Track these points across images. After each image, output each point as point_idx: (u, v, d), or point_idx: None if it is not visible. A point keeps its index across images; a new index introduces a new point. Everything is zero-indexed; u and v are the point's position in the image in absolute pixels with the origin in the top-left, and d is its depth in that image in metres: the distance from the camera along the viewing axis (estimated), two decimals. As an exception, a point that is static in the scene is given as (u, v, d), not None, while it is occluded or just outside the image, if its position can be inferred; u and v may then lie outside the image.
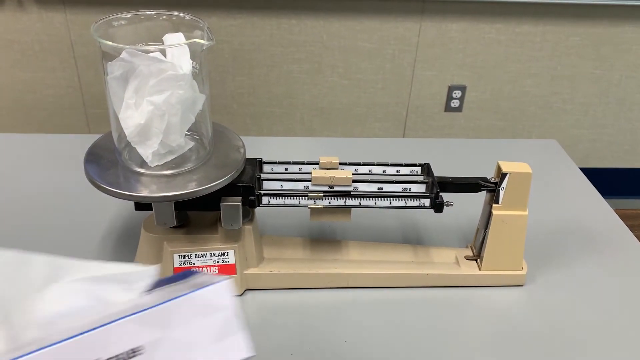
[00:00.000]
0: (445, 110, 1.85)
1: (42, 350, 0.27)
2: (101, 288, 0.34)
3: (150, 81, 0.52)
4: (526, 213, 0.62)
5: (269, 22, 1.66)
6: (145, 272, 0.36)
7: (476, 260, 0.66)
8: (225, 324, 0.31)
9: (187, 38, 0.54)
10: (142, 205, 0.60)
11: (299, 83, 1.77)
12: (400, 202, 0.60)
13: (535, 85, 1.82)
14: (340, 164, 0.63)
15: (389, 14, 1.67)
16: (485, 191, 0.62)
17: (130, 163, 0.57)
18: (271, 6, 1.64)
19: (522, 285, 0.65)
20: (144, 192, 0.54)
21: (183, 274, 0.38)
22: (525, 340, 0.58)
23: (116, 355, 0.28)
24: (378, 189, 0.60)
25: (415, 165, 0.64)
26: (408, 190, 0.61)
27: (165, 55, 0.52)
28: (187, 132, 0.57)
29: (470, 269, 0.65)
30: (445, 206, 0.59)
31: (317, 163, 0.63)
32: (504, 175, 0.60)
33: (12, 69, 1.69)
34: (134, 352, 0.29)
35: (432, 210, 0.60)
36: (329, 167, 0.62)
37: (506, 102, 1.85)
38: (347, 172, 0.60)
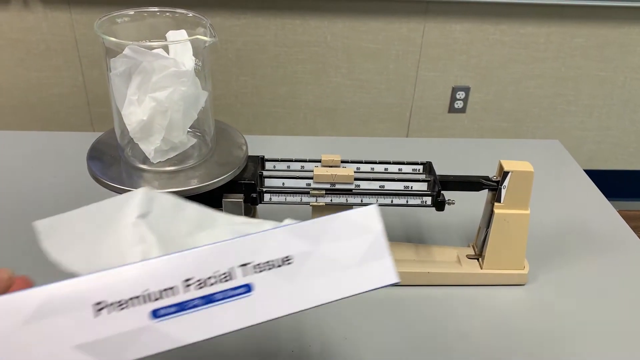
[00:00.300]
0: (449, 111, 1.85)
1: (203, 247, 0.28)
2: (252, 228, 0.35)
3: (153, 77, 0.52)
4: (528, 212, 0.62)
5: (273, 22, 1.67)
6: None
7: (478, 259, 0.66)
8: (372, 247, 0.31)
9: (189, 35, 0.54)
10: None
11: (302, 83, 1.77)
12: (402, 200, 0.60)
13: (539, 86, 1.82)
14: (342, 161, 0.63)
15: (392, 14, 1.67)
16: (487, 190, 0.62)
17: (132, 159, 0.58)
18: (275, 6, 1.64)
19: (523, 285, 0.65)
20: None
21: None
22: (527, 339, 0.58)
23: (268, 261, 0.29)
24: (380, 187, 0.60)
25: (417, 163, 0.64)
26: (410, 189, 0.61)
27: (168, 52, 0.53)
28: (189, 129, 0.57)
29: (471, 267, 0.65)
30: (447, 204, 0.59)
31: (319, 161, 0.63)
32: (505, 173, 0.60)
33: (17, 68, 1.70)
34: (284, 260, 0.30)
35: (434, 209, 0.60)
36: (330, 164, 0.63)
37: (510, 103, 1.85)
38: (349, 170, 0.60)
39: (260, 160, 0.63)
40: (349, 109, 1.83)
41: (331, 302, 0.30)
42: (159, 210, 0.36)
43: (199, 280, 0.28)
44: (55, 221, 0.34)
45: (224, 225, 0.37)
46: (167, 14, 0.57)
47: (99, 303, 0.27)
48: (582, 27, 1.72)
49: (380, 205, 0.60)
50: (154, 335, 0.27)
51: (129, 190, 0.54)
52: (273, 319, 0.29)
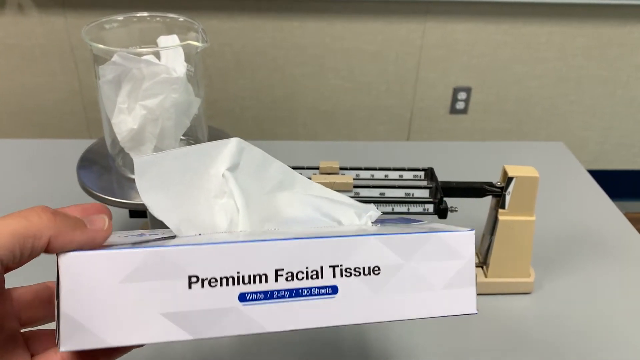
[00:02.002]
0: (450, 113, 1.83)
1: (297, 240, 0.29)
2: (330, 207, 0.37)
3: (143, 85, 0.50)
4: (533, 218, 0.60)
5: (271, 25, 1.65)
6: (368, 206, 0.39)
7: (482, 267, 0.64)
8: (460, 273, 0.31)
9: (181, 40, 0.52)
10: (137, 212, 0.58)
11: (301, 86, 1.76)
12: (403, 208, 0.58)
13: (541, 86, 1.80)
14: (341, 168, 0.61)
15: (392, 15, 1.65)
16: (490, 196, 0.60)
17: (124, 169, 0.56)
18: (273, 9, 1.63)
19: (529, 293, 0.63)
20: (138, 199, 0.52)
21: (406, 219, 0.41)
22: (533, 349, 0.56)
23: (357, 267, 0.30)
24: (380, 194, 0.59)
25: (418, 169, 0.62)
26: (411, 196, 0.59)
27: (159, 58, 0.51)
28: (182, 137, 0.56)
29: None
30: (449, 212, 0.58)
31: (317, 168, 0.61)
32: (510, 179, 0.58)
33: (12, 74, 1.68)
34: (373, 270, 0.30)
35: (436, 217, 0.58)
36: (329, 172, 0.61)
37: (512, 104, 1.83)
38: (348, 178, 0.59)
39: (257, 168, 0.61)
40: (349, 112, 1.81)
41: (410, 319, 0.31)
42: (247, 163, 0.37)
43: (289, 272, 0.29)
44: (151, 159, 0.33)
45: (301, 193, 0.38)
46: (158, 19, 0.55)
47: (193, 276, 0.27)
48: (584, 26, 1.70)
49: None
50: (239, 317, 0.28)
51: (121, 202, 0.53)
52: (352, 325, 0.30)
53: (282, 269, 0.28)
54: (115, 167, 0.56)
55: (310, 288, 0.29)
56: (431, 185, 0.59)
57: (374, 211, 0.39)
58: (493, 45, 1.72)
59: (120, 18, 0.54)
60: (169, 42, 0.52)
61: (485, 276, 0.63)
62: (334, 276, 0.29)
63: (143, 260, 0.27)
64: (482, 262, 0.64)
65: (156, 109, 0.51)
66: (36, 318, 0.32)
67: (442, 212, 0.57)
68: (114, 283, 0.27)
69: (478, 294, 0.63)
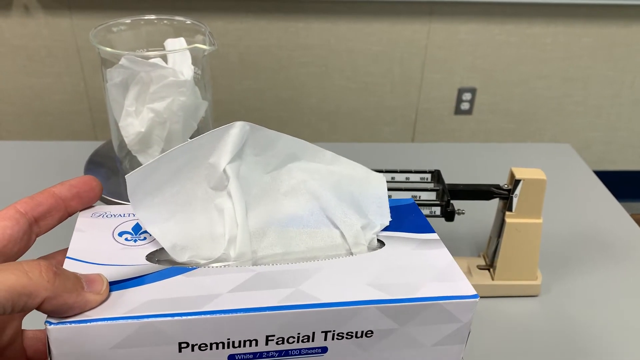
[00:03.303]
0: (455, 113, 1.83)
1: (291, 311, 0.29)
2: (335, 208, 0.35)
3: (150, 88, 0.50)
4: (540, 221, 0.59)
5: (276, 26, 1.65)
6: (378, 201, 0.37)
7: (489, 270, 0.64)
8: (454, 334, 0.31)
9: (188, 43, 0.52)
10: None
11: (306, 87, 1.76)
12: (410, 211, 0.58)
13: (546, 87, 1.79)
14: (348, 171, 0.61)
15: (397, 16, 1.65)
16: (497, 198, 0.60)
17: (131, 172, 0.56)
18: (278, 9, 1.63)
19: (536, 296, 0.63)
20: (145, 202, 0.52)
21: (418, 223, 0.39)
22: (540, 352, 0.56)
23: (349, 332, 0.29)
24: (387, 197, 0.58)
25: (425, 172, 0.62)
26: (418, 198, 0.59)
27: (166, 61, 0.51)
28: (189, 139, 0.56)
29: (483, 279, 0.63)
30: (456, 214, 0.57)
31: (324, 170, 0.61)
32: (517, 182, 0.58)
33: (18, 75, 1.69)
34: (365, 334, 0.30)
35: (443, 219, 0.58)
36: (335, 174, 0.61)
37: (517, 104, 1.82)
38: (355, 180, 0.58)
39: (263, 171, 0.61)
40: (354, 112, 1.81)
41: None
42: (252, 146, 0.35)
43: (280, 338, 0.29)
44: (141, 171, 0.32)
45: (309, 166, 0.37)
46: (165, 21, 0.55)
47: (184, 342, 0.28)
48: (590, 26, 1.69)
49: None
50: None
51: (128, 205, 0.53)
52: None
53: (274, 335, 0.29)
54: (122, 169, 0.56)
55: (300, 349, 0.29)
56: (438, 188, 0.59)
57: (381, 223, 0.36)
58: (498, 45, 1.71)
59: (128, 21, 0.54)
60: (176, 45, 0.52)
61: (492, 279, 0.62)
62: (325, 339, 0.29)
63: (135, 330, 0.27)
64: (489, 264, 0.64)
65: (164, 112, 0.51)
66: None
67: (449, 215, 0.57)
68: (104, 350, 0.27)
69: (485, 297, 0.63)
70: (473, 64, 1.74)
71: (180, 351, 0.28)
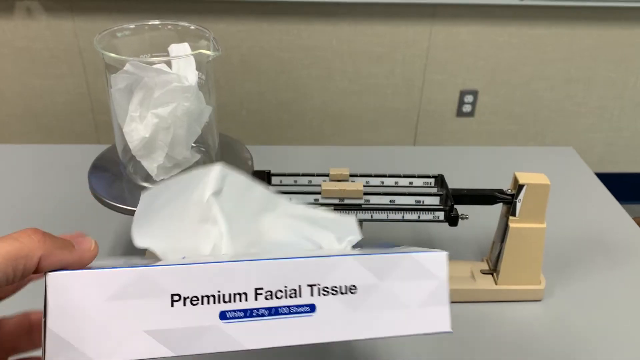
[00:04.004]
0: (457, 115, 1.82)
1: (276, 260, 0.30)
2: (312, 231, 0.38)
3: (155, 93, 0.50)
4: (544, 226, 0.59)
5: (278, 28, 1.65)
6: (349, 226, 0.40)
7: (492, 274, 0.64)
8: (434, 292, 0.32)
9: (192, 48, 0.52)
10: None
11: (308, 88, 1.76)
12: (414, 216, 0.58)
13: (548, 88, 1.79)
14: (351, 175, 0.61)
15: (399, 17, 1.65)
16: (501, 203, 0.60)
17: (135, 177, 0.56)
18: (280, 11, 1.63)
19: (540, 300, 0.63)
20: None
21: (386, 244, 0.42)
22: (544, 357, 0.56)
23: (333, 286, 0.31)
24: (390, 201, 0.59)
25: (428, 176, 0.62)
26: (421, 203, 0.59)
27: (170, 67, 0.51)
28: (193, 144, 0.56)
29: (486, 283, 0.63)
30: (460, 219, 0.57)
31: (327, 175, 0.61)
32: (521, 187, 0.58)
33: (21, 76, 1.69)
34: (350, 289, 0.31)
35: (447, 224, 0.58)
36: (339, 179, 0.61)
37: (519, 106, 1.82)
38: (358, 185, 0.58)
39: (267, 175, 0.61)
40: (356, 114, 1.81)
41: (386, 337, 0.32)
42: (231, 188, 0.38)
43: (268, 291, 0.30)
44: (148, 193, 0.36)
45: (284, 214, 0.40)
46: (169, 27, 0.55)
47: (175, 294, 0.29)
48: (592, 28, 1.69)
49: (391, 220, 0.58)
50: (219, 335, 0.29)
51: (132, 210, 0.53)
52: (329, 342, 0.31)
53: (262, 288, 0.29)
54: (126, 174, 0.56)
55: (289, 306, 0.30)
56: (442, 193, 0.59)
57: (354, 235, 0.40)
58: (500, 47, 1.71)
59: (132, 26, 0.54)
60: (181, 51, 0.52)
61: (496, 283, 0.62)
62: (312, 295, 0.30)
63: (128, 279, 0.28)
64: (493, 269, 0.64)
65: (168, 117, 0.51)
66: (18, 348, 0.33)
67: (453, 220, 0.57)
68: (99, 301, 0.28)
69: (488, 301, 0.63)
70: (475, 66, 1.74)
71: (172, 305, 0.28)
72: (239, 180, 0.39)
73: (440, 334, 0.32)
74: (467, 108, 1.81)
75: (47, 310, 0.27)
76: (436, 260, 0.32)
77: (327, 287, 0.31)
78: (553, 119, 1.85)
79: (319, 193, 0.58)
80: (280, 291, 0.30)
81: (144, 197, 0.35)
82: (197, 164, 0.57)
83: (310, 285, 0.30)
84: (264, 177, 0.60)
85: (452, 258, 0.67)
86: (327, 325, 0.30)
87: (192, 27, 0.55)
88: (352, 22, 1.65)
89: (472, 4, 1.62)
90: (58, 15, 1.60)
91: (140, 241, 0.34)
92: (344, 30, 1.66)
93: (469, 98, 1.79)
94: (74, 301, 0.27)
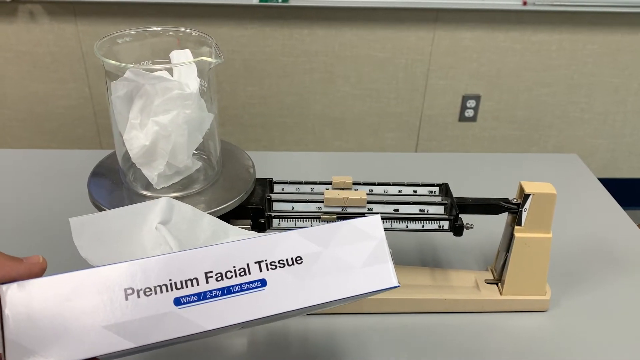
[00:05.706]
0: (460, 120, 1.82)
1: (223, 244, 0.32)
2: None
3: (155, 101, 0.49)
4: (550, 235, 0.59)
5: (281, 32, 1.65)
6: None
7: (497, 284, 0.63)
8: (375, 252, 0.34)
9: (194, 54, 0.52)
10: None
11: (310, 93, 1.75)
12: (418, 225, 0.57)
13: (551, 94, 1.78)
14: (354, 183, 0.61)
15: (401, 23, 1.65)
16: (506, 212, 0.59)
17: (135, 185, 0.55)
18: (283, 16, 1.62)
19: (545, 311, 0.62)
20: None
21: None
22: (551, 371, 0.55)
23: (280, 259, 0.33)
24: (394, 210, 0.58)
25: (432, 185, 0.61)
26: (426, 212, 0.58)
27: (171, 74, 0.50)
28: (194, 152, 0.55)
29: (490, 293, 0.62)
30: (465, 229, 0.57)
31: (330, 183, 0.60)
32: (526, 196, 0.57)
33: (23, 80, 1.69)
34: (296, 260, 0.33)
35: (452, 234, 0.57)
36: (342, 187, 0.60)
37: (522, 111, 1.81)
38: (361, 193, 0.58)
39: (269, 183, 0.60)
40: (358, 119, 1.80)
41: (336, 300, 0.33)
42: (179, 218, 0.40)
43: (218, 273, 0.31)
44: (86, 220, 0.38)
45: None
46: (171, 33, 0.54)
47: (129, 288, 0.30)
48: (595, 33, 1.68)
49: (395, 230, 0.57)
50: (177, 320, 0.30)
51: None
52: (283, 312, 0.32)
53: (211, 271, 0.31)
54: (126, 182, 0.56)
55: (240, 284, 0.31)
56: (446, 202, 0.58)
57: None
58: (502, 52, 1.71)
59: (133, 32, 0.53)
60: (182, 57, 0.52)
61: (501, 293, 0.61)
62: (261, 270, 0.32)
63: (80, 279, 0.30)
64: (497, 279, 0.63)
65: (168, 125, 0.50)
66: None
67: (457, 230, 0.57)
68: (54, 305, 0.29)
69: (493, 312, 0.62)
70: (477, 71, 1.73)
71: (127, 299, 0.30)
72: (187, 211, 0.41)
73: (388, 290, 0.34)
74: (469, 113, 1.80)
75: (3, 321, 0.28)
76: (371, 223, 0.35)
77: (274, 262, 0.32)
78: (556, 125, 1.84)
79: (322, 201, 0.57)
80: (230, 271, 0.31)
81: (80, 224, 0.38)
82: (199, 171, 0.57)
83: (258, 262, 0.32)
84: (266, 184, 0.60)
85: (456, 267, 0.66)
86: (280, 296, 0.32)
87: (194, 33, 0.54)
88: (355, 27, 1.65)
89: (475, 9, 1.62)
90: (61, 19, 1.59)
91: (97, 263, 0.36)
92: (347, 35, 1.66)
93: (471, 103, 1.78)
94: (29, 309, 0.28)
